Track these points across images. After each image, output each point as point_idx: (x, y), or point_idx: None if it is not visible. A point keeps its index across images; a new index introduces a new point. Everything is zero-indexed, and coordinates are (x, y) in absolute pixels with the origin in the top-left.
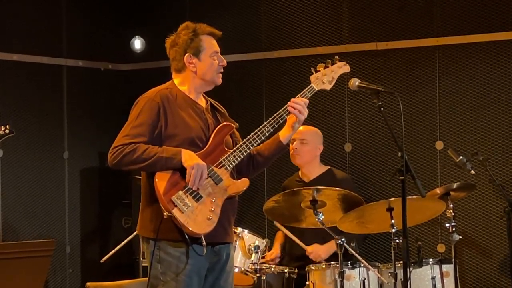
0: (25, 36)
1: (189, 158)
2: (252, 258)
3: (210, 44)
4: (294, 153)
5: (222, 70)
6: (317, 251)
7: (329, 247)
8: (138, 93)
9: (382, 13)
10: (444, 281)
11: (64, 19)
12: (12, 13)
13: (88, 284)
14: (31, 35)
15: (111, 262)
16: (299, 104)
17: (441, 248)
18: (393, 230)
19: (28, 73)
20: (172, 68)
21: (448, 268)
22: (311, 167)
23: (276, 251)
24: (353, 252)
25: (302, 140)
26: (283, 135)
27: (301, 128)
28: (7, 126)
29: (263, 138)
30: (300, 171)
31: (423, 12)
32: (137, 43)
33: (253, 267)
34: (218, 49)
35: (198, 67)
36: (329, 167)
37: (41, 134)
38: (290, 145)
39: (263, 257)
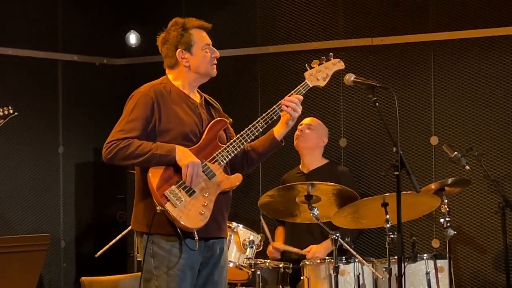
0: (21, 31)
1: (183, 156)
2: (247, 253)
3: (200, 37)
4: (300, 135)
5: (215, 61)
6: (314, 253)
7: (326, 247)
8: (133, 88)
9: (377, 8)
10: (439, 276)
11: (60, 14)
12: (8, 8)
13: (82, 278)
14: (26, 29)
15: (106, 256)
16: (293, 102)
17: (435, 243)
18: (388, 225)
19: (23, 67)
20: (165, 64)
21: (443, 263)
22: (312, 157)
23: (280, 244)
24: (348, 248)
25: (310, 126)
26: (277, 131)
27: (308, 118)
28: (10, 107)
29: (256, 133)
30: (300, 164)
31: (418, 7)
32: (132, 38)
33: (248, 262)
34: (209, 41)
35: (191, 61)
36: (329, 160)
37: (36, 129)
38: (296, 130)
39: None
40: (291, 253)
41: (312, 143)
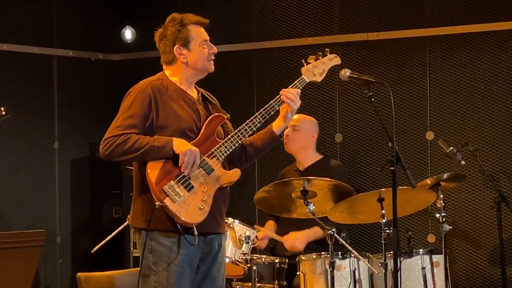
0: (16, 26)
1: (181, 145)
2: (243, 249)
3: (198, 33)
4: (286, 140)
5: (213, 57)
6: (292, 242)
7: (307, 235)
8: (129, 84)
9: (373, 3)
10: (434, 271)
11: (55, 9)
12: (3, 3)
13: (78, 274)
14: (21, 25)
15: (102, 252)
16: (291, 93)
17: (431, 238)
18: (384, 221)
19: (18, 63)
20: (162, 60)
21: (438, 258)
22: (306, 155)
23: (265, 232)
24: (344, 243)
25: (294, 127)
26: (276, 126)
27: (295, 116)
28: (2, 108)
29: (254, 129)
30: (296, 161)
31: (413, 2)
32: (128, 33)
33: (244, 257)
34: (207, 37)
35: (189, 57)
36: (324, 155)
37: (32, 124)
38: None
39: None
40: (282, 247)
41: (301, 143)
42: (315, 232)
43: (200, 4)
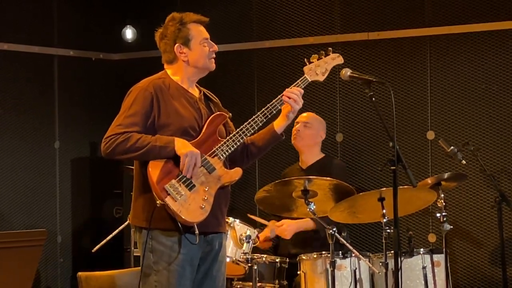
0: (16, 26)
1: (182, 146)
2: (244, 248)
3: (198, 32)
4: (296, 135)
5: (214, 55)
6: (283, 230)
7: (298, 226)
8: (129, 83)
9: (373, 3)
10: (435, 271)
11: (55, 8)
12: (3, 3)
13: (79, 273)
14: (21, 24)
15: (103, 251)
16: (294, 93)
17: (432, 238)
18: (384, 220)
19: (19, 62)
20: (164, 60)
21: (439, 258)
22: (311, 153)
23: (265, 233)
24: (345, 242)
25: (306, 123)
26: (278, 125)
27: (304, 114)
28: None
29: (256, 128)
30: (299, 159)
31: (414, 2)
32: (129, 33)
33: (245, 256)
34: (207, 35)
35: (189, 56)
36: (326, 154)
37: (32, 124)
38: (293, 127)
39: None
40: (283, 245)
41: (310, 140)
42: (306, 223)
43: (200, 3)
